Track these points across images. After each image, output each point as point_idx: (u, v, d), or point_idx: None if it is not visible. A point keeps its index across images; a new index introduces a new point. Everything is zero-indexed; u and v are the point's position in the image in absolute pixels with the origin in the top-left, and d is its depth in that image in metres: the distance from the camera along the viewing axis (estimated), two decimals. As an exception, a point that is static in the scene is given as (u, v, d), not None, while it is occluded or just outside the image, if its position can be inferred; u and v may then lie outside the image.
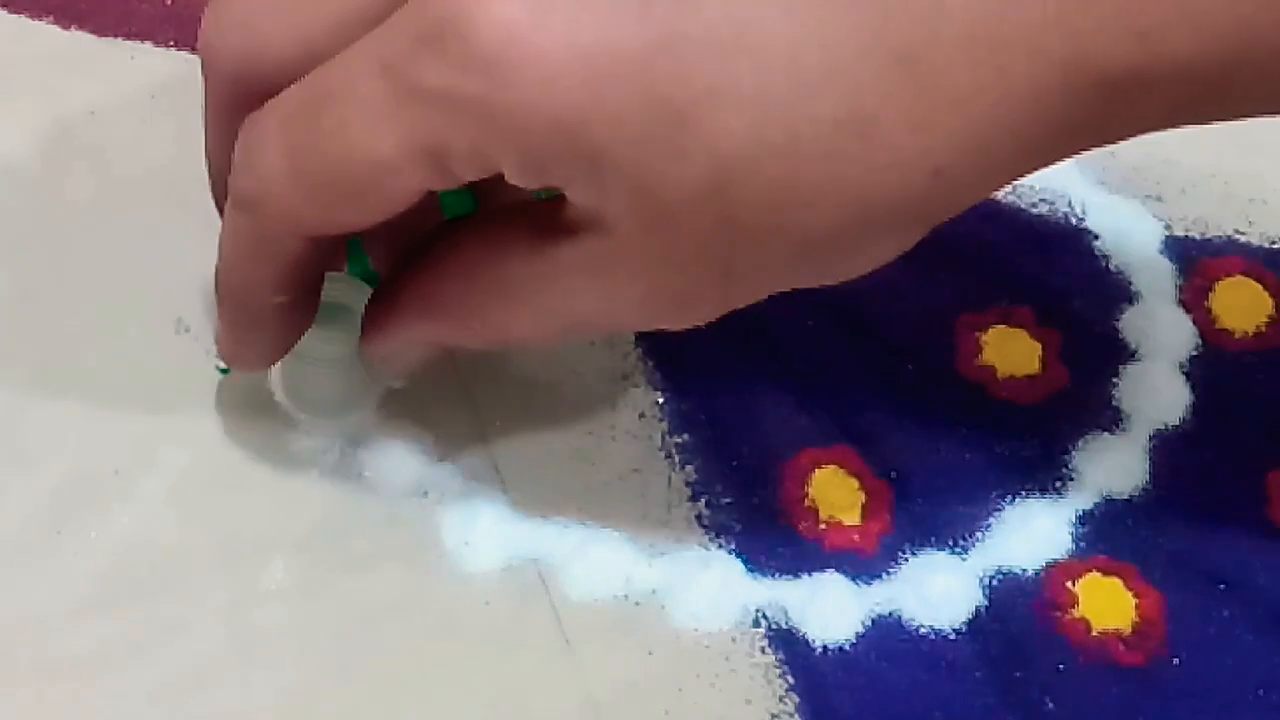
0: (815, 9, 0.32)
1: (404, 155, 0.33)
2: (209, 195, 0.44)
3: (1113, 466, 0.42)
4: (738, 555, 0.40)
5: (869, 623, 0.39)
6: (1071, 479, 0.41)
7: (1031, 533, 0.41)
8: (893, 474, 0.41)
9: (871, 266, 0.35)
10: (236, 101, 0.36)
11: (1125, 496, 0.41)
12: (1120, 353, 0.44)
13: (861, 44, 0.32)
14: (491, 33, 0.32)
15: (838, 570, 0.40)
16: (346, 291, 0.39)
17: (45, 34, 0.46)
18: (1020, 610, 0.40)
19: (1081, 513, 0.41)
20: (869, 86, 0.32)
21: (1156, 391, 0.43)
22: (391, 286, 0.38)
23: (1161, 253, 0.45)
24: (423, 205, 0.35)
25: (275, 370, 0.41)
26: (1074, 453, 0.42)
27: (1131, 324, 0.44)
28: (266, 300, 0.37)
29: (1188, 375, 0.43)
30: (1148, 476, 0.42)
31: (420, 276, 0.37)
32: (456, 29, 0.32)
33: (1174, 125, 0.35)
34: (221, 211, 0.37)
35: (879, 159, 0.33)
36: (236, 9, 0.36)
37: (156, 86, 0.46)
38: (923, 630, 0.39)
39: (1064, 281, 0.44)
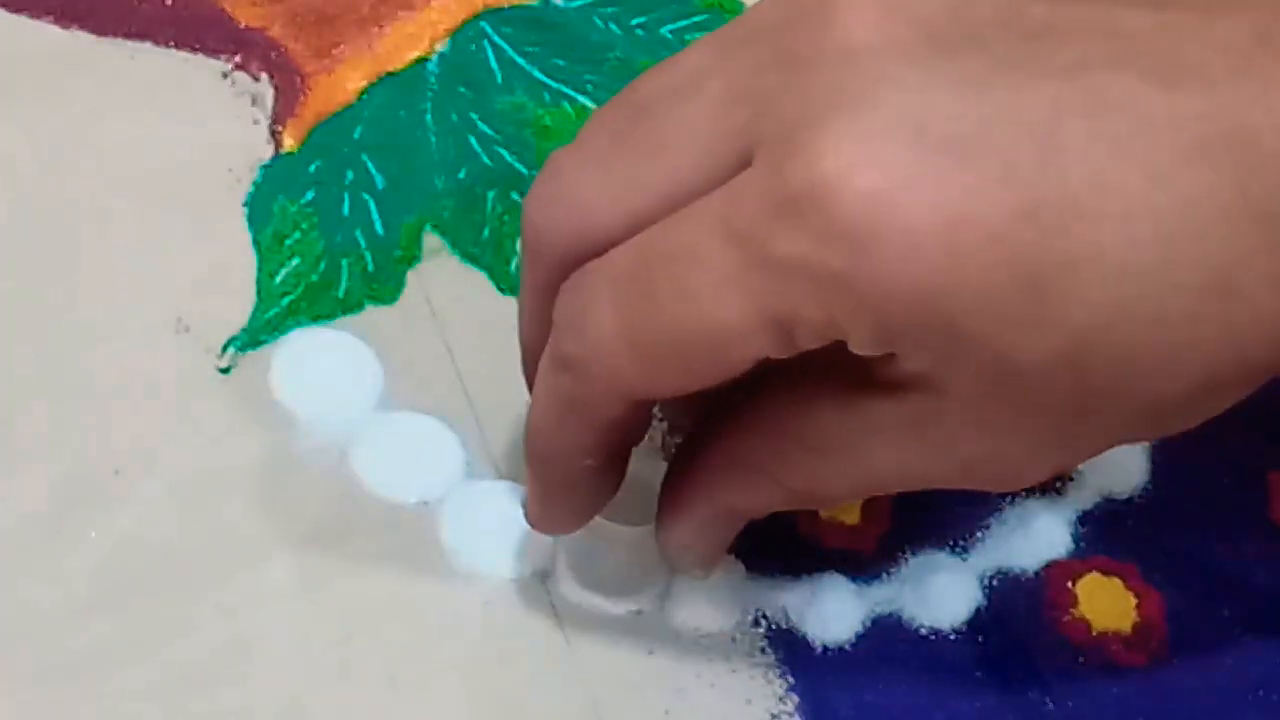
0: (1175, 169, 0.31)
1: (750, 324, 0.32)
2: (209, 195, 0.44)
3: (1113, 466, 0.42)
4: (737, 555, 0.40)
5: (869, 623, 0.39)
6: (1071, 479, 0.41)
7: (1031, 533, 0.41)
8: (893, 474, 0.41)
9: (1203, 420, 0.34)
10: (559, 279, 0.34)
11: (1125, 496, 0.41)
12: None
13: (1222, 203, 0.31)
14: (856, 204, 0.31)
15: (838, 570, 0.40)
16: (643, 465, 0.38)
17: (45, 34, 0.46)
18: (1020, 610, 0.40)
19: (1081, 513, 0.41)
20: (1230, 246, 0.31)
21: (1157, 391, 0.43)
22: (690, 453, 0.37)
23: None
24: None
25: (561, 547, 0.40)
26: (1074, 453, 0.42)
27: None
28: (578, 463, 0.36)
29: (1188, 375, 0.43)
30: (1148, 476, 0.42)
31: (723, 436, 0.36)
32: (817, 199, 0.31)
33: None
34: (530, 386, 0.37)
35: (1239, 320, 0.32)
36: (563, 187, 0.34)
37: (156, 86, 0.46)
38: (923, 630, 0.39)
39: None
